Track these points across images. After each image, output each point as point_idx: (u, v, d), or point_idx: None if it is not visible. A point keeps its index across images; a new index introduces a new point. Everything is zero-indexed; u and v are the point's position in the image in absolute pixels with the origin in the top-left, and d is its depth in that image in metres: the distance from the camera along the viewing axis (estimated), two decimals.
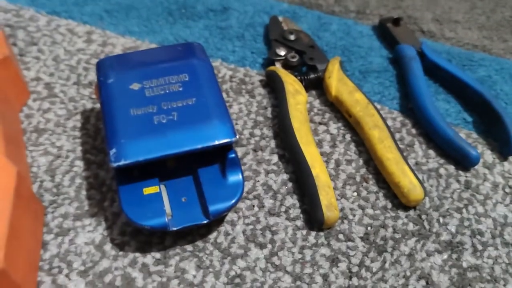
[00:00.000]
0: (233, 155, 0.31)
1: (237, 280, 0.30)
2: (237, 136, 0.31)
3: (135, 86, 0.31)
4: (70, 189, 0.34)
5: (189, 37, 0.43)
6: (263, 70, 0.41)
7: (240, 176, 0.31)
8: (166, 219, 0.29)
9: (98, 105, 0.38)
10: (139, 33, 0.43)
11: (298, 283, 0.30)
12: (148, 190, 0.30)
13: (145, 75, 0.32)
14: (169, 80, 0.31)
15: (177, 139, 0.29)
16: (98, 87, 0.33)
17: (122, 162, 0.28)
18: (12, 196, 0.28)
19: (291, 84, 0.37)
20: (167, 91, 0.31)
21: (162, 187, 0.30)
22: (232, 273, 0.30)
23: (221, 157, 0.31)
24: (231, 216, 0.33)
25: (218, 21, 0.44)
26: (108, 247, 0.31)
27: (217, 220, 0.32)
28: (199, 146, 0.29)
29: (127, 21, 0.44)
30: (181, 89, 0.31)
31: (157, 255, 0.31)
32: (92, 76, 0.40)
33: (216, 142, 0.29)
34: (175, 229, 0.29)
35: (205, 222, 0.29)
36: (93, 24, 0.44)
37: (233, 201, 0.30)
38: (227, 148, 0.31)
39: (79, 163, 0.35)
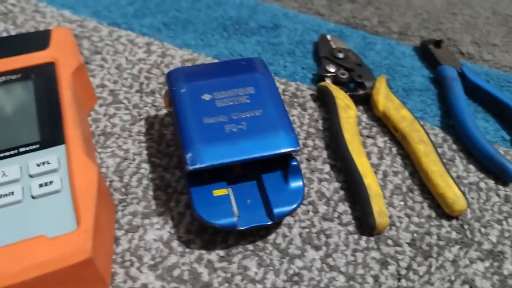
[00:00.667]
0: (295, 163, 0.33)
1: (296, 278, 0.33)
2: (300, 146, 0.33)
3: (206, 97, 0.34)
4: (138, 189, 0.37)
5: (243, 52, 0.45)
6: (313, 85, 0.44)
7: (301, 183, 0.33)
8: (235, 219, 0.32)
9: (161, 112, 0.41)
10: (195, 46, 0.46)
11: (351, 283, 0.33)
12: (218, 192, 0.33)
13: (215, 87, 0.34)
14: (236, 92, 0.34)
15: (246, 146, 0.32)
16: (168, 96, 0.36)
17: (197, 166, 0.31)
18: (95, 192, 0.31)
19: (342, 99, 0.40)
20: (236, 103, 0.34)
21: (230, 190, 0.33)
22: (291, 271, 0.33)
23: (284, 164, 0.34)
24: (288, 219, 0.35)
25: (270, 38, 0.47)
26: (175, 244, 0.34)
27: (276, 222, 0.35)
28: (266, 153, 0.32)
29: (184, 35, 0.47)
30: (248, 101, 0.34)
31: (221, 252, 0.34)
32: (154, 85, 0.43)
33: (282, 151, 0.32)
34: (242, 228, 0.32)
35: (269, 223, 0.32)
36: (151, 36, 0.47)
37: (295, 205, 0.32)
38: (289, 156, 0.33)
39: (145, 166, 0.38)
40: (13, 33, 0.47)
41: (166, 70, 0.44)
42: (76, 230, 0.29)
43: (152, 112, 0.41)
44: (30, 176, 0.31)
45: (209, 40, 0.47)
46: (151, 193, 0.36)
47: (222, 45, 0.46)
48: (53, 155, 0.32)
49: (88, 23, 0.48)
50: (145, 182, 0.37)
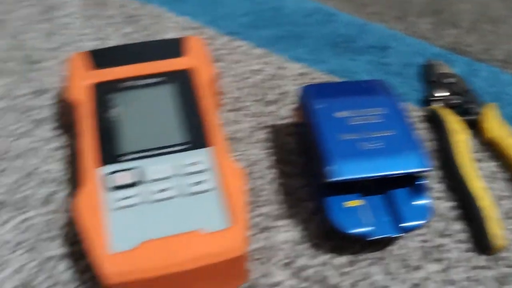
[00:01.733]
0: (425, 181, 0.36)
1: None
2: (432, 167, 0.36)
3: (341, 114, 0.37)
4: (267, 193, 0.39)
5: (355, 69, 0.48)
6: (421, 106, 0.46)
7: (430, 200, 0.36)
8: (367, 229, 0.34)
9: (282, 122, 0.44)
10: (308, 60, 0.49)
11: None
12: (350, 203, 0.35)
13: (348, 105, 0.37)
14: (369, 112, 0.37)
15: (382, 164, 0.34)
16: (301, 110, 0.39)
17: (337, 178, 0.33)
18: (245, 193, 0.34)
19: (454, 123, 0.42)
20: (368, 122, 0.36)
21: (360, 201, 0.36)
22: (413, 281, 0.35)
23: (412, 181, 0.36)
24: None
25: (380, 57, 0.49)
26: (304, 246, 0.37)
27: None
28: (401, 171, 0.34)
29: (297, 49, 0.50)
30: (379, 120, 0.36)
31: (348, 258, 0.36)
32: (273, 95, 0.46)
33: (416, 170, 0.34)
34: (373, 238, 0.34)
35: (397, 235, 0.35)
36: (267, 47, 0.50)
37: (424, 221, 0.35)
38: (419, 174, 0.36)
39: (272, 171, 0.41)
40: (136, 35, 0.51)
41: (284, 82, 0.47)
42: (229, 227, 0.32)
43: (274, 121, 0.44)
44: (182, 174, 0.34)
45: (321, 56, 0.49)
46: (279, 197, 0.39)
47: (334, 61, 0.49)
48: (202, 156, 0.35)
49: (207, 31, 0.51)
50: (272, 186, 0.40)
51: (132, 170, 0.34)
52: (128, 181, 0.34)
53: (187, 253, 0.31)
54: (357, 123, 0.36)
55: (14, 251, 0.36)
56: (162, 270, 0.31)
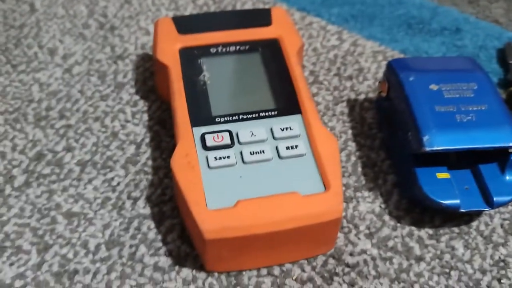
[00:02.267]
0: None
1: (501, 264, 0.35)
2: None
3: (434, 87, 0.37)
4: (348, 164, 0.40)
5: (428, 50, 0.48)
6: (498, 88, 0.46)
7: None
8: (458, 201, 0.34)
9: (360, 97, 0.44)
10: (382, 40, 0.49)
11: None
12: (441, 175, 0.35)
13: (440, 79, 0.37)
14: (461, 86, 0.37)
15: (477, 136, 0.34)
16: (389, 83, 0.39)
17: (434, 148, 0.33)
18: (339, 159, 0.34)
19: None
20: (461, 96, 0.36)
21: (450, 174, 0.36)
22: (496, 257, 0.35)
23: (500, 156, 0.36)
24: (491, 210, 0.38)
25: (454, 40, 0.49)
26: (387, 217, 0.37)
27: (480, 211, 0.37)
28: (495, 145, 0.34)
29: (371, 28, 0.50)
30: (472, 95, 0.36)
31: (430, 231, 0.36)
32: (350, 71, 0.46)
33: (510, 144, 0.34)
34: (463, 211, 0.34)
35: (488, 210, 0.35)
36: (340, 24, 0.50)
37: None
38: (507, 150, 0.36)
39: (352, 144, 0.41)
40: (213, 7, 0.51)
41: (360, 59, 0.47)
42: (326, 191, 0.32)
43: (352, 96, 0.44)
44: (276, 138, 0.35)
45: (395, 36, 0.49)
46: (359, 169, 0.39)
47: (407, 42, 0.49)
48: (294, 122, 0.36)
49: (280, 5, 0.52)
50: (353, 158, 0.40)
51: (227, 132, 0.35)
52: (224, 142, 0.34)
53: (284, 214, 0.31)
54: (450, 96, 0.36)
55: (99, 210, 0.37)
56: (259, 228, 0.31)
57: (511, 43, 0.48)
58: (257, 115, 0.36)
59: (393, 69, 0.38)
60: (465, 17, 0.52)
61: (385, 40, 0.49)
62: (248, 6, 0.51)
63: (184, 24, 0.41)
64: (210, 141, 0.34)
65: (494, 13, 0.53)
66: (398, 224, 0.37)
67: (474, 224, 0.37)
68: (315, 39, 0.49)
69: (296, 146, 0.34)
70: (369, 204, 0.37)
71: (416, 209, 0.37)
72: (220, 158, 0.34)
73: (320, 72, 0.46)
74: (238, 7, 0.51)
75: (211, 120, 0.36)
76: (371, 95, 0.44)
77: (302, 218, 0.31)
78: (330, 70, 0.46)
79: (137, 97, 0.43)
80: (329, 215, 0.32)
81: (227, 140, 0.34)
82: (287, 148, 0.34)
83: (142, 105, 0.43)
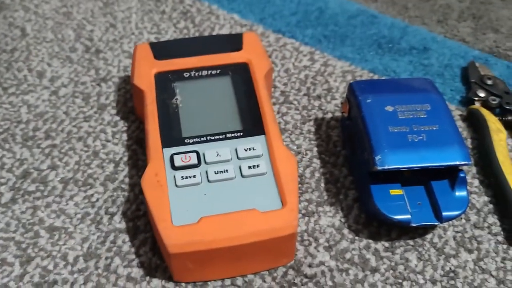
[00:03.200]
0: (463, 175, 0.38)
1: (451, 275, 0.37)
2: (472, 161, 0.38)
3: (389, 108, 0.39)
4: (311, 180, 0.42)
5: (396, 69, 0.50)
6: (460, 106, 0.48)
7: (466, 192, 0.38)
8: (409, 216, 0.37)
9: (327, 115, 0.47)
10: (352, 59, 0.51)
11: (502, 286, 0.37)
12: (394, 192, 0.38)
13: (396, 100, 0.40)
14: (415, 107, 0.39)
15: (427, 156, 0.37)
16: (349, 104, 0.41)
17: (385, 167, 0.36)
18: (297, 178, 0.37)
19: (494, 123, 0.45)
20: (415, 116, 0.39)
21: (403, 190, 0.38)
22: (447, 268, 0.38)
23: (451, 174, 0.38)
24: (443, 224, 0.40)
25: (421, 59, 0.52)
26: (346, 231, 0.39)
27: (433, 225, 0.39)
28: (444, 163, 0.37)
29: (343, 48, 0.53)
30: (425, 116, 0.39)
31: (386, 244, 0.39)
32: (319, 90, 0.49)
33: (457, 163, 0.37)
34: (414, 225, 0.37)
35: (437, 224, 0.37)
36: (313, 45, 0.53)
37: (462, 211, 0.37)
38: (458, 167, 0.38)
39: (316, 161, 0.43)
40: (192, 31, 0.54)
41: (329, 79, 0.50)
42: (283, 208, 0.35)
43: (319, 115, 0.47)
44: (239, 158, 0.38)
45: (365, 55, 0.52)
46: (322, 185, 0.42)
47: (377, 61, 0.51)
48: (257, 143, 0.38)
49: (256, 28, 0.55)
50: (317, 175, 0.43)
51: (194, 153, 0.38)
52: (191, 162, 0.37)
53: (243, 229, 0.34)
54: (404, 117, 0.39)
55: (79, 224, 0.39)
56: (220, 243, 0.34)
57: (474, 62, 0.50)
58: (224, 136, 0.39)
59: (353, 90, 0.41)
60: (433, 36, 0.54)
61: (356, 60, 0.51)
62: (226, 29, 0.54)
63: (161, 50, 0.44)
64: (178, 161, 0.37)
65: (462, 32, 0.55)
66: (356, 237, 0.39)
67: (428, 236, 0.39)
68: (288, 60, 0.51)
69: (258, 166, 0.37)
70: (330, 218, 0.40)
71: (374, 223, 0.40)
72: (187, 177, 0.36)
73: (291, 92, 0.48)
74: (217, 30, 0.54)
75: (180, 141, 0.38)
76: (337, 114, 0.47)
77: (260, 233, 0.34)
78: (300, 90, 0.49)
79: (117, 118, 0.46)
80: (284, 230, 0.34)
81: (194, 160, 0.37)
82: (249, 167, 0.37)
83: (122, 125, 0.46)
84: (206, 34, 0.53)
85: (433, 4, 0.58)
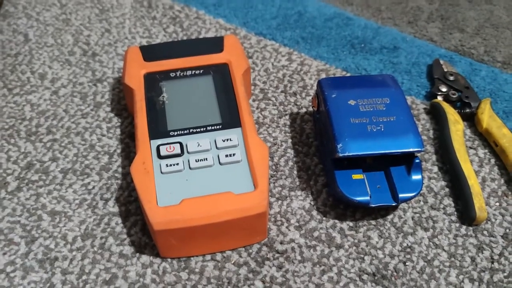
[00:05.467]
0: (418, 161, 0.42)
1: (408, 250, 0.42)
2: (424, 148, 0.43)
3: (352, 102, 0.44)
4: (285, 168, 0.47)
5: (367, 67, 0.55)
6: (425, 100, 0.53)
7: (421, 176, 0.42)
8: (368, 198, 0.41)
9: (302, 110, 0.51)
10: (327, 59, 0.56)
11: (452, 259, 0.41)
12: (356, 176, 0.42)
13: (358, 95, 0.44)
14: (375, 101, 0.44)
15: (384, 144, 0.41)
16: (318, 98, 0.46)
17: (346, 154, 0.41)
18: (267, 164, 0.41)
19: (452, 114, 0.49)
20: (375, 109, 0.43)
21: (364, 175, 0.43)
22: (404, 244, 0.42)
23: (408, 160, 0.43)
24: (403, 205, 0.45)
25: (391, 57, 0.56)
26: (315, 212, 0.44)
27: (395, 206, 0.44)
28: (399, 150, 0.41)
29: (318, 48, 0.57)
30: (384, 108, 0.43)
31: (350, 224, 0.43)
32: (295, 88, 0.53)
33: (411, 150, 0.41)
34: (373, 206, 0.41)
35: (394, 204, 0.41)
36: (291, 46, 0.57)
37: (416, 192, 0.42)
38: (413, 154, 0.43)
39: (291, 151, 0.48)
40: (181, 35, 0.59)
41: (305, 77, 0.54)
42: (254, 191, 0.40)
43: (295, 110, 0.51)
44: (218, 148, 0.42)
45: (339, 55, 0.56)
46: (295, 172, 0.47)
47: (350, 60, 0.56)
48: (234, 135, 0.43)
49: (240, 32, 0.59)
50: (290, 163, 0.47)
51: (178, 144, 0.42)
52: (175, 151, 0.42)
53: (220, 209, 0.39)
54: (365, 110, 0.43)
55: (77, 209, 0.44)
56: (199, 221, 0.38)
57: (439, 60, 0.55)
58: (204, 128, 0.44)
59: (321, 86, 0.46)
60: (403, 37, 0.59)
61: (330, 59, 0.56)
62: (212, 32, 0.59)
63: (149, 52, 0.49)
64: (163, 151, 0.42)
65: (430, 32, 0.60)
66: (324, 218, 0.44)
67: (389, 217, 0.44)
68: (268, 60, 0.56)
69: (234, 154, 0.42)
70: (301, 202, 0.45)
71: (341, 206, 0.44)
72: (171, 165, 0.41)
73: (269, 89, 0.53)
74: (203, 33, 0.59)
75: (166, 134, 0.43)
76: (311, 109, 0.51)
77: (234, 212, 0.39)
78: (278, 88, 0.53)
79: (112, 115, 0.51)
80: (256, 209, 0.39)
81: (178, 150, 0.42)
82: (226, 156, 0.42)
83: (116, 121, 0.50)
84: (193, 37, 0.58)
85: (404, 6, 0.63)
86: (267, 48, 0.57)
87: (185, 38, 0.58)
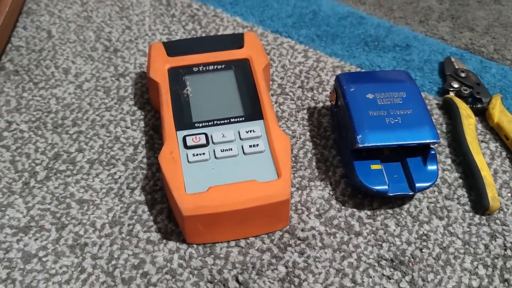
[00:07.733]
0: (433, 152, 0.44)
1: (424, 237, 0.44)
2: (440, 139, 0.44)
3: (370, 96, 0.45)
4: (304, 160, 0.49)
5: (381, 64, 0.57)
6: (438, 96, 0.55)
7: (437, 167, 0.44)
8: (387, 187, 0.43)
9: (319, 105, 0.53)
10: (342, 56, 0.58)
11: (467, 246, 0.43)
12: (374, 167, 0.44)
13: (376, 89, 0.46)
14: (392, 95, 0.46)
15: (402, 135, 0.43)
16: (336, 93, 0.48)
17: (366, 144, 0.42)
18: (290, 154, 0.43)
19: (464, 109, 0.51)
20: (392, 102, 0.45)
21: (382, 166, 0.44)
22: (420, 232, 0.44)
23: (424, 151, 0.45)
24: (419, 195, 0.46)
25: (403, 55, 0.58)
26: (334, 202, 0.46)
27: (412, 195, 0.46)
28: (416, 142, 0.43)
29: (333, 46, 0.59)
30: (401, 102, 0.45)
31: (368, 212, 0.45)
32: (312, 83, 0.55)
33: (427, 141, 0.43)
34: (391, 194, 0.43)
35: (411, 194, 0.43)
36: (307, 44, 0.59)
37: (432, 182, 0.43)
38: (429, 145, 0.44)
39: (309, 144, 0.50)
40: (200, 32, 0.61)
41: (321, 73, 0.56)
42: (278, 179, 0.41)
43: (312, 104, 0.53)
44: (242, 139, 0.44)
45: (353, 52, 0.58)
46: (314, 164, 0.48)
47: (364, 57, 0.58)
48: (256, 126, 0.45)
49: (256, 29, 0.61)
50: (309, 155, 0.49)
51: (203, 134, 0.44)
52: (201, 142, 0.43)
53: (245, 196, 0.40)
54: (383, 103, 0.45)
55: (104, 197, 0.46)
56: (225, 207, 0.40)
57: (450, 57, 0.57)
58: (228, 120, 0.45)
59: (339, 81, 0.47)
60: (415, 35, 0.61)
61: (345, 56, 0.58)
62: (230, 30, 0.61)
63: (173, 48, 0.51)
64: (190, 141, 0.44)
65: (441, 31, 0.61)
66: (343, 207, 0.45)
67: (406, 206, 0.46)
68: (285, 57, 0.58)
69: (257, 145, 0.43)
70: (320, 191, 0.46)
71: (359, 195, 0.46)
72: (197, 154, 0.43)
73: (287, 85, 0.55)
74: (221, 31, 0.61)
75: (191, 125, 0.45)
76: (328, 103, 0.53)
77: (259, 199, 0.41)
78: (295, 83, 0.55)
79: (135, 108, 0.53)
80: (279, 197, 0.41)
81: (203, 141, 0.44)
82: (250, 146, 0.43)
83: (139, 114, 0.52)
84: (211, 34, 0.60)
85: (416, 6, 0.65)
86: (284, 45, 0.59)
87: (204, 35, 0.60)
